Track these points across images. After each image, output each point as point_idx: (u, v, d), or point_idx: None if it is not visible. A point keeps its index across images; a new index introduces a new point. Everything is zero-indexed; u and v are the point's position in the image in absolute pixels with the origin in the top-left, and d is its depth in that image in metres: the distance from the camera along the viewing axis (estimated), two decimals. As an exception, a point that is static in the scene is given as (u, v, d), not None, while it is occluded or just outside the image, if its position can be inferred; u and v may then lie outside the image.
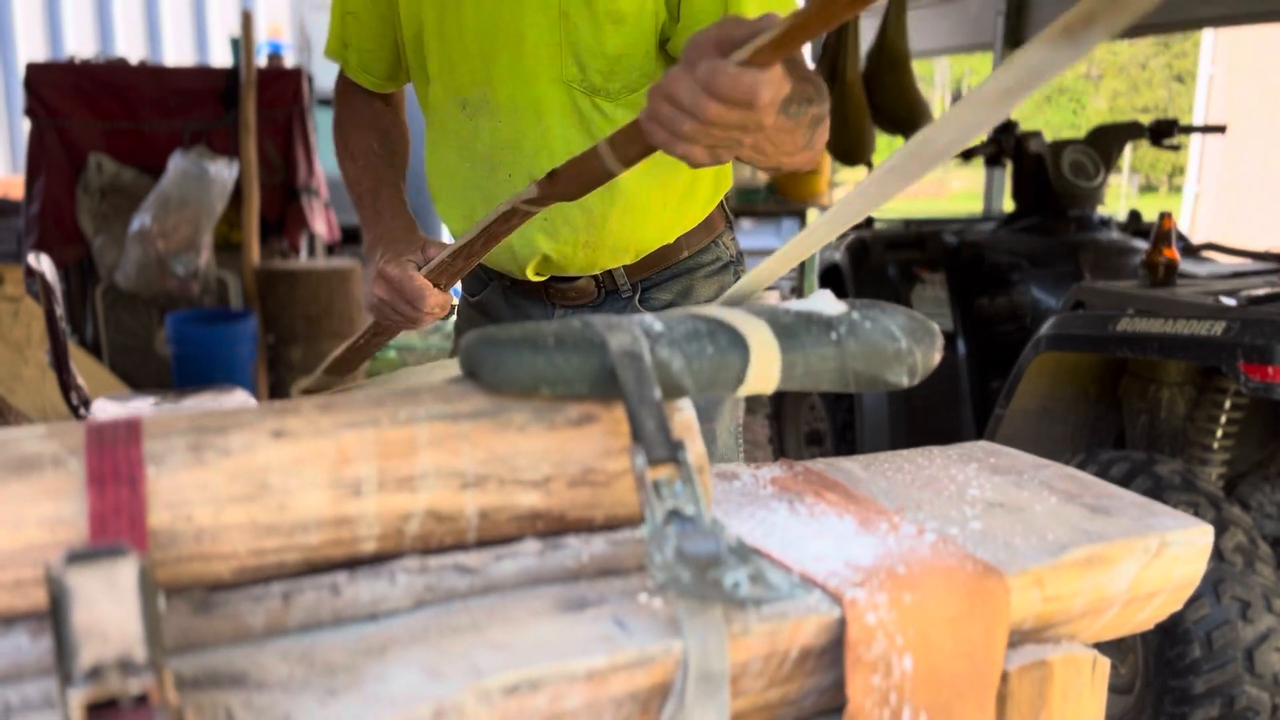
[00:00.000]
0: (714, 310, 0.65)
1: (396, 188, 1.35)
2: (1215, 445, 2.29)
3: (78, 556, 0.43)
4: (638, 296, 1.35)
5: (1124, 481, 2.08)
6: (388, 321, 1.24)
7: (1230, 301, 2.08)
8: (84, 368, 3.41)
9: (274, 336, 4.22)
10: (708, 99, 0.78)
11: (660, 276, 1.35)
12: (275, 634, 0.52)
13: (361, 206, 1.35)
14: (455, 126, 1.31)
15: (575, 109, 1.24)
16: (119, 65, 4.56)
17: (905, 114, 4.09)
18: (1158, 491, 2.04)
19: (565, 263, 1.31)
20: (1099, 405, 2.62)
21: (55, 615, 0.42)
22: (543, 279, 1.34)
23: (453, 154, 1.34)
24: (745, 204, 5.89)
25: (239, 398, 2.45)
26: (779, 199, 5.98)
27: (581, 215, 1.27)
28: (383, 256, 1.21)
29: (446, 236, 1.45)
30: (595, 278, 1.34)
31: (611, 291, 1.35)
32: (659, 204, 1.30)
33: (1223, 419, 2.28)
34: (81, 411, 2.37)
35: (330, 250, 5.26)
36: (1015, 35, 4.63)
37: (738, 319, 0.63)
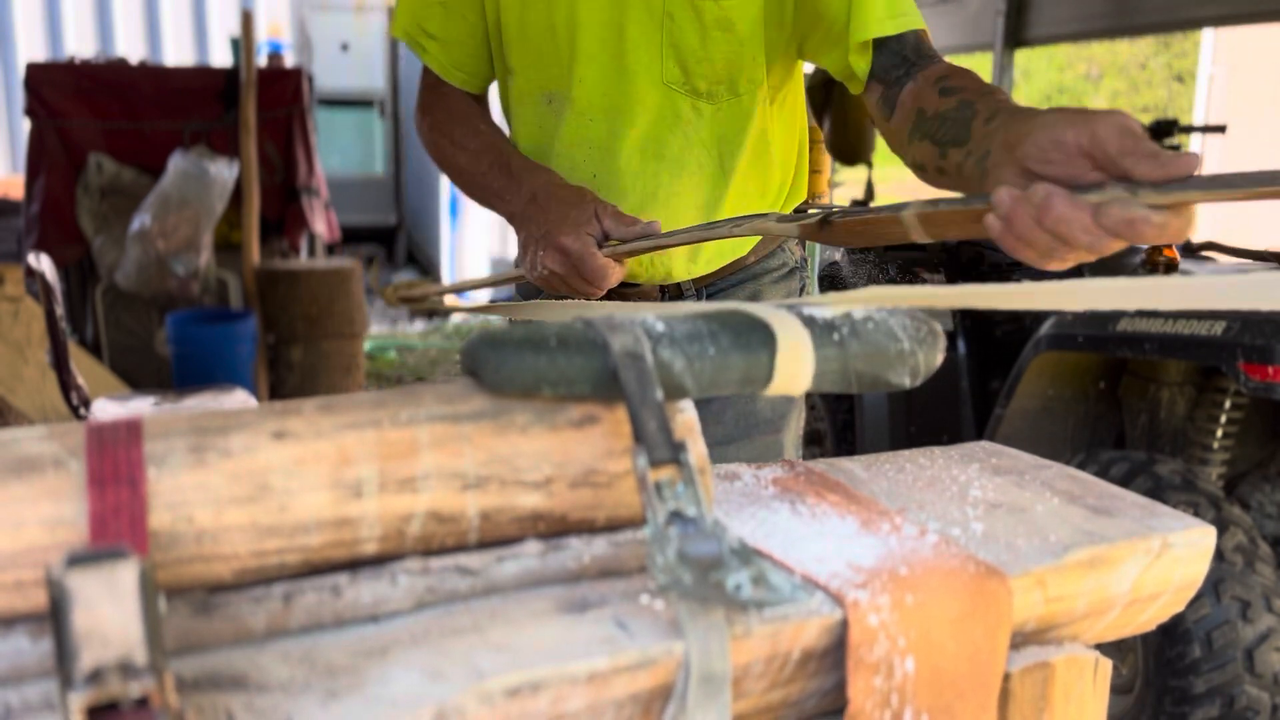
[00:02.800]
0: (752, 309, 0.64)
1: (525, 155, 1.25)
2: (1215, 445, 2.29)
3: (78, 559, 0.43)
4: (703, 301, 1.33)
5: (1124, 481, 2.08)
6: (553, 290, 1.16)
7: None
8: (84, 368, 3.41)
9: (274, 336, 4.22)
10: (1110, 240, 0.67)
11: (726, 282, 1.32)
12: (276, 635, 0.52)
13: (489, 182, 1.25)
14: (537, 121, 1.27)
15: (674, 110, 1.21)
16: (119, 65, 4.57)
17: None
18: (1158, 491, 2.04)
19: (639, 272, 1.28)
20: (1099, 405, 2.62)
21: (56, 618, 0.42)
22: None
23: (530, 150, 1.29)
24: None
25: (239, 398, 2.46)
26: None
27: (666, 226, 1.22)
28: (553, 223, 1.10)
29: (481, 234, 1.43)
30: (660, 286, 1.30)
31: (675, 297, 1.31)
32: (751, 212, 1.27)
33: (1223, 419, 2.28)
34: (81, 411, 2.37)
35: (330, 250, 5.27)
36: (1015, 35, 4.63)
37: (772, 318, 0.62)
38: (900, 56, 1.09)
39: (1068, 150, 0.69)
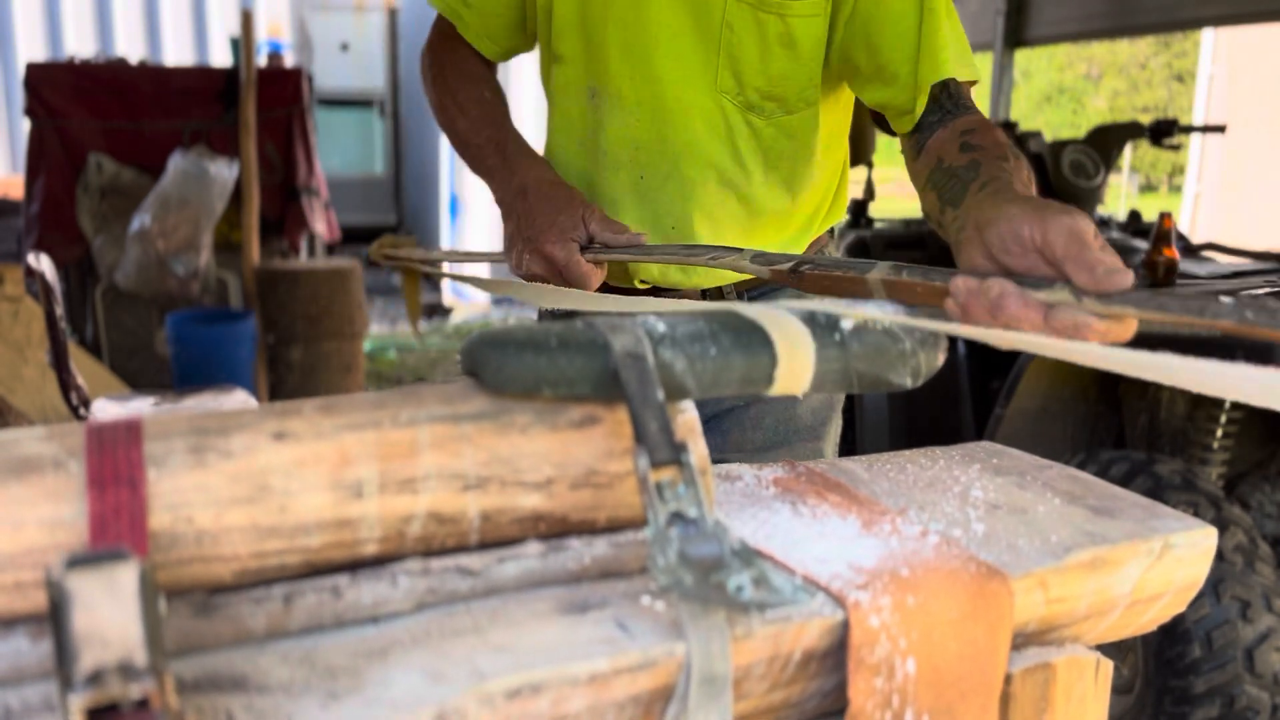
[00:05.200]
0: (749, 309, 0.64)
1: (520, 136, 1.27)
2: (1215, 445, 2.29)
3: (78, 560, 0.43)
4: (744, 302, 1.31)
5: (1124, 481, 2.08)
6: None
7: (1228, 301, 2.08)
8: (84, 368, 3.40)
9: (274, 336, 4.22)
10: (1052, 334, 0.70)
11: (767, 287, 1.30)
12: (276, 636, 0.52)
13: (483, 157, 1.26)
14: (578, 115, 1.27)
15: (725, 120, 1.20)
16: (119, 65, 4.56)
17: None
18: (1158, 491, 2.04)
19: (678, 278, 1.27)
20: (1099, 405, 2.62)
21: (55, 620, 0.42)
22: (645, 287, 1.29)
23: (573, 144, 1.28)
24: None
25: (239, 398, 2.45)
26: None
27: (706, 233, 1.23)
28: (540, 228, 1.13)
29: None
30: (702, 291, 1.28)
31: (717, 299, 1.29)
32: (783, 238, 1.28)
33: (1223, 419, 2.28)
34: (81, 412, 2.37)
35: (330, 250, 5.26)
36: (1015, 35, 4.63)
37: (773, 319, 0.62)
38: (939, 102, 1.12)
39: (1024, 245, 0.72)
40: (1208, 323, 0.66)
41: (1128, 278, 0.68)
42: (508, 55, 1.37)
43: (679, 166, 1.22)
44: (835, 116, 1.28)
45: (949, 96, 1.12)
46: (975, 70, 1.15)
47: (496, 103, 1.31)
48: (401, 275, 1.69)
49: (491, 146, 1.25)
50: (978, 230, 0.77)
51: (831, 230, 1.38)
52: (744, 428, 1.28)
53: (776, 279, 0.94)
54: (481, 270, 6.32)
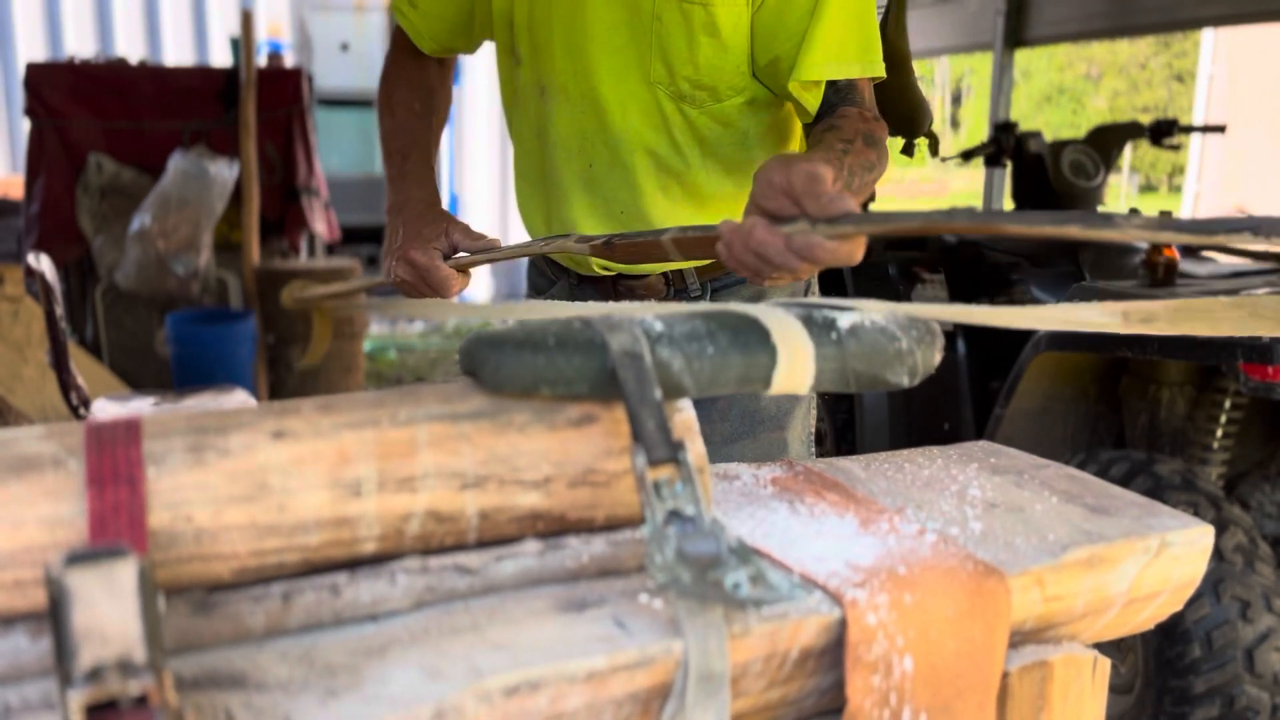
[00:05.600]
0: (748, 309, 0.64)
1: (428, 153, 1.37)
2: (1215, 445, 2.29)
3: (77, 557, 0.43)
4: (707, 296, 1.34)
5: (1124, 481, 2.08)
6: (409, 295, 1.28)
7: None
8: (84, 368, 3.41)
9: (274, 336, 4.22)
10: (799, 261, 0.83)
11: (731, 279, 1.34)
12: (275, 634, 0.52)
13: (390, 164, 1.36)
14: (533, 112, 1.33)
15: (659, 110, 1.25)
16: (119, 65, 4.56)
17: (906, 113, 4.09)
18: (1158, 491, 2.04)
19: (650, 269, 1.31)
20: (1099, 405, 2.62)
21: (55, 616, 0.42)
22: (610, 274, 1.34)
23: (530, 140, 1.36)
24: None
25: (239, 398, 2.45)
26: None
27: (657, 217, 1.28)
28: (406, 238, 1.23)
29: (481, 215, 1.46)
30: (665, 275, 1.33)
31: (680, 290, 1.34)
32: (737, 212, 1.30)
33: (1223, 419, 2.28)
34: (81, 411, 2.37)
35: (330, 250, 5.26)
36: (1015, 35, 4.63)
37: (770, 317, 0.63)
38: (828, 99, 1.21)
39: (775, 189, 0.84)
40: (910, 227, 0.80)
41: (846, 203, 0.81)
42: (441, 51, 1.45)
43: (621, 155, 1.27)
44: (775, 105, 1.30)
45: (836, 92, 1.20)
46: (865, 65, 1.20)
47: (422, 114, 1.40)
48: (314, 314, 1.79)
49: (398, 157, 1.35)
50: (755, 183, 0.89)
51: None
52: (711, 420, 1.32)
53: (595, 254, 1.09)
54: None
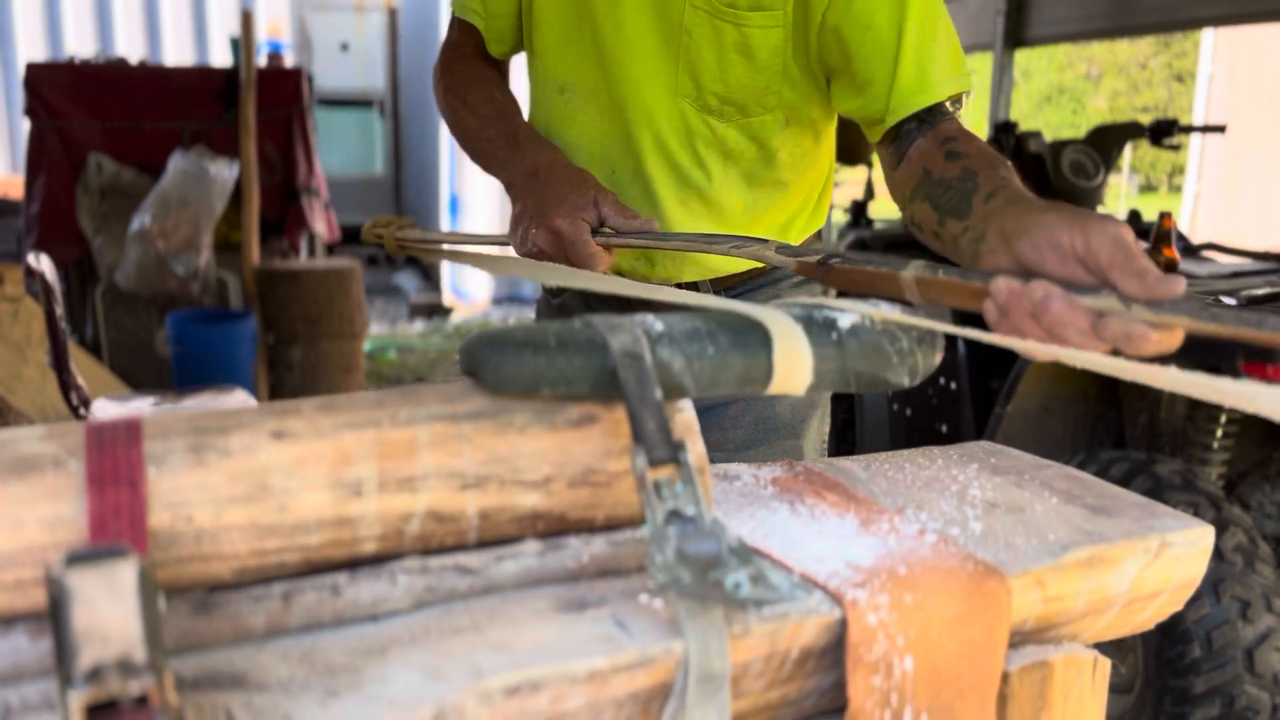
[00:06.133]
0: (745, 309, 0.64)
1: (532, 131, 1.27)
2: (1215, 445, 2.29)
3: (78, 558, 0.43)
4: None
5: (1124, 481, 2.08)
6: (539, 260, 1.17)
7: (1230, 301, 2.08)
8: (84, 368, 3.40)
9: (274, 336, 4.22)
10: (1103, 347, 0.68)
11: (745, 287, 1.31)
12: (275, 635, 0.52)
13: (494, 149, 1.26)
14: (549, 108, 1.29)
15: (684, 122, 1.22)
16: (119, 65, 4.57)
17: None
18: (1158, 491, 2.04)
19: (648, 272, 1.29)
20: (1099, 405, 2.62)
21: (55, 616, 0.42)
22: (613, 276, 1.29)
23: (546, 136, 1.30)
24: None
25: (239, 398, 2.46)
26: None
27: (673, 228, 1.24)
28: (551, 203, 1.11)
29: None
30: (677, 285, 1.29)
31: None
32: (752, 226, 1.27)
33: (1223, 419, 2.28)
34: (81, 411, 2.37)
35: (330, 250, 5.26)
36: (1015, 35, 4.63)
37: (769, 318, 0.63)
38: (917, 111, 1.10)
39: (1064, 253, 0.71)
40: (1265, 336, 0.63)
41: (1180, 285, 0.66)
42: (511, 54, 1.40)
43: (643, 164, 1.24)
44: (809, 125, 1.27)
45: (929, 106, 1.11)
46: (965, 80, 1.12)
47: (507, 101, 1.33)
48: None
49: (502, 139, 1.25)
50: (1004, 240, 0.76)
51: (818, 234, 1.39)
52: (724, 427, 1.29)
53: (803, 272, 0.92)
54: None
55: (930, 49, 1.10)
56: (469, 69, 1.37)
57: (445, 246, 1.43)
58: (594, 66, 1.23)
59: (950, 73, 1.11)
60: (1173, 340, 0.66)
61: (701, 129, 1.22)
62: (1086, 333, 0.68)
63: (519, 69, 1.45)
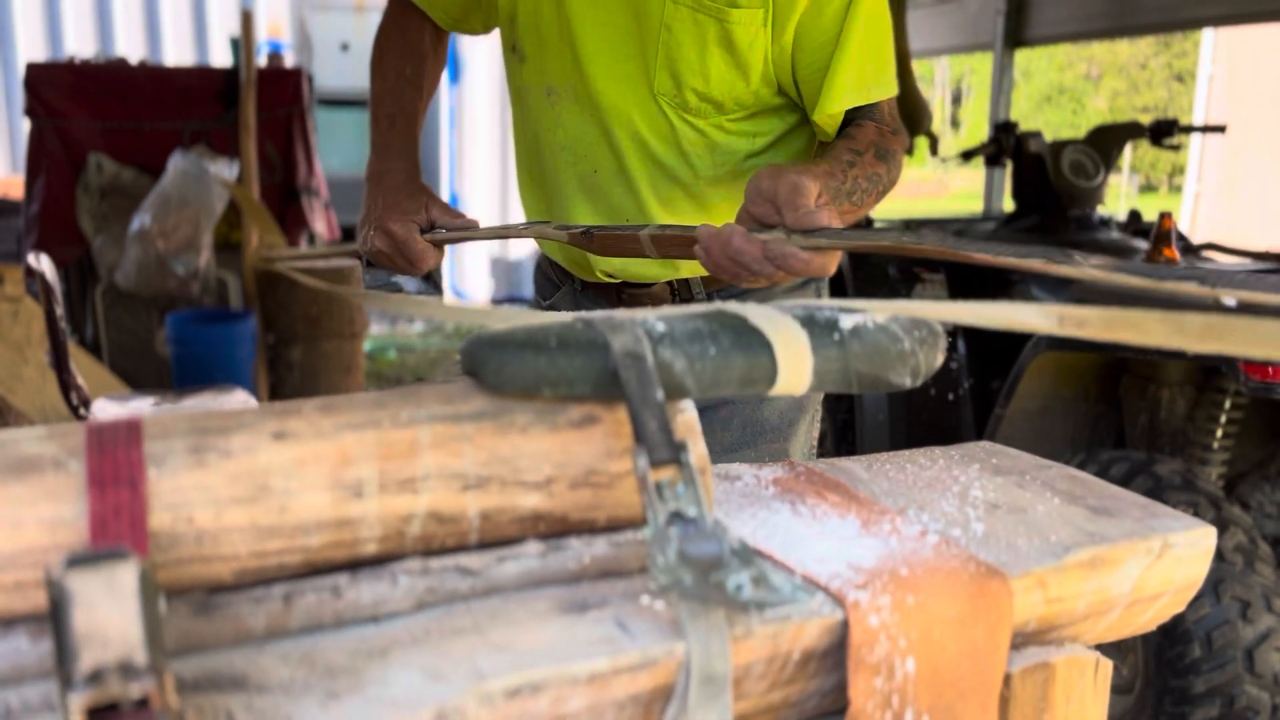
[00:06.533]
0: (745, 310, 0.64)
1: (413, 121, 1.36)
2: (1215, 445, 2.29)
3: (78, 560, 0.43)
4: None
5: (1124, 481, 2.08)
6: (382, 265, 1.29)
7: (1230, 301, 2.08)
8: (84, 368, 3.40)
9: (274, 336, 4.21)
10: (774, 269, 0.88)
11: (736, 289, 1.33)
12: (276, 636, 0.52)
13: (375, 128, 1.36)
14: (538, 112, 1.32)
15: (665, 119, 1.24)
16: (119, 65, 4.56)
17: (905, 113, 4.09)
18: (1158, 491, 2.04)
19: (639, 270, 1.31)
20: (1099, 405, 2.62)
21: (55, 619, 0.42)
22: (615, 281, 1.33)
23: (531, 139, 1.35)
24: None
25: (239, 398, 2.45)
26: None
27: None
28: (385, 208, 1.24)
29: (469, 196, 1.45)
30: (670, 284, 1.32)
31: (686, 299, 1.33)
32: None
33: (1223, 419, 2.28)
34: (81, 411, 2.37)
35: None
36: (1015, 35, 4.63)
37: (770, 319, 0.63)
38: (849, 115, 1.23)
39: (762, 195, 0.91)
40: (881, 246, 0.83)
41: (822, 217, 0.86)
42: (457, 28, 1.44)
43: (626, 163, 1.26)
44: (790, 123, 1.30)
45: (855, 109, 1.22)
46: (883, 88, 1.21)
47: (413, 79, 1.38)
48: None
49: (385, 122, 1.35)
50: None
51: None
52: (713, 429, 1.31)
53: (573, 242, 1.13)
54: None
55: (853, 60, 1.20)
56: (399, 29, 1.42)
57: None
58: (575, 69, 1.26)
59: (865, 82, 1.22)
60: (825, 262, 0.87)
61: (685, 129, 1.25)
62: (760, 259, 0.89)
63: (499, 74, 1.49)
